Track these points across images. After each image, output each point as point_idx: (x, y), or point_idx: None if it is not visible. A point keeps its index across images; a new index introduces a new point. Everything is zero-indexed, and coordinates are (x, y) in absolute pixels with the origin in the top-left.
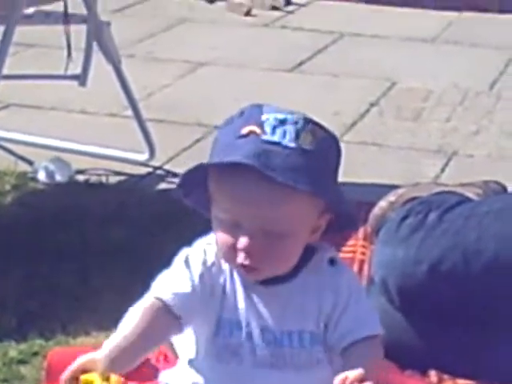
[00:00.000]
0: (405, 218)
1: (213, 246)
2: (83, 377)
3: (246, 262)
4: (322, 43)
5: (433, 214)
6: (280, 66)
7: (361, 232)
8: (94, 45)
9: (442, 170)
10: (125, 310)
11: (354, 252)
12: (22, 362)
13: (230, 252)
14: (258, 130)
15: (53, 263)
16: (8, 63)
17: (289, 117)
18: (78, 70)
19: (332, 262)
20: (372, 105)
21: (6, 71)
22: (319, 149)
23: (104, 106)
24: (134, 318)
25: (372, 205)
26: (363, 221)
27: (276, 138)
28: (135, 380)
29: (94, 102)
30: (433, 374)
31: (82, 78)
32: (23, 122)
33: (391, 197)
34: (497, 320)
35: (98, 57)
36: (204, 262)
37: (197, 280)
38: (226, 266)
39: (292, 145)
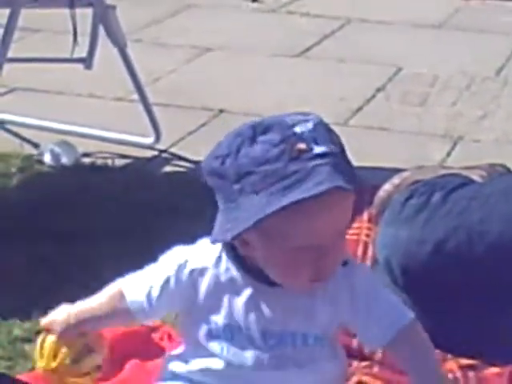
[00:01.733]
0: (409, 198)
1: (210, 250)
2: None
3: (325, 274)
4: (328, 29)
5: (437, 195)
6: (286, 51)
7: (366, 214)
8: (101, 29)
9: (448, 155)
10: None
11: (358, 234)
12: (26, 340)
13: (303, 272)
14: (304, 147)
15: (58, 245)
16: (15, 48)
17: (315, 122)
18: (85, 54)
19: (345, 263)
20: (378, 90)
21: (12, 56)
22: (341, 143)
23: (110, 90)
24: (99, 295)
25: (377, 188)
26: (368, 203)
27: (324, 149)
28: (139, 358)
29: (101, 86)
30: (436, 354)
31: (87, 61)
32: (29, 105)
33: (396, 179)
34: (500, 300)
35: (105, 41)
36: (193, 269)
37: (172, 283)
38: (225, 271)
39: (336, 150)
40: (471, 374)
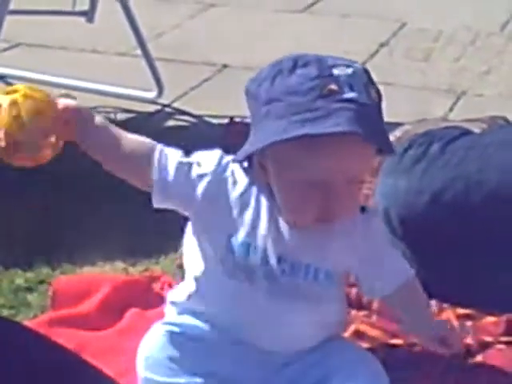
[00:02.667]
0: (407, 149)
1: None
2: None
3: (329, 216)
4: None
5: (435, 146)
6: (291, 6)
7: None
8: None
9: (451, 109)
10: (132, 242)
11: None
12: (28, 289)
13: (311, 209)
14: (336, 88)
15: (61, 193)
16: (16, 3)
17: (356, 70)
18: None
19: (363, 209)
20: (382, 45)
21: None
22: (379, 99)
23: (113, 45)
24: (135, 138)
25: None
26: None
27: (356, 96)
28: (139, 307)
29: (104, 41)
30: (433, 304)
31: (89, 15)
32: (32, 60)
33: (397, 132)
34: (497, 249)
35: None
36: (217, 169)
37: (195, 173)
38: (253, 191)
39: (368, 101)
40: (468, 323)
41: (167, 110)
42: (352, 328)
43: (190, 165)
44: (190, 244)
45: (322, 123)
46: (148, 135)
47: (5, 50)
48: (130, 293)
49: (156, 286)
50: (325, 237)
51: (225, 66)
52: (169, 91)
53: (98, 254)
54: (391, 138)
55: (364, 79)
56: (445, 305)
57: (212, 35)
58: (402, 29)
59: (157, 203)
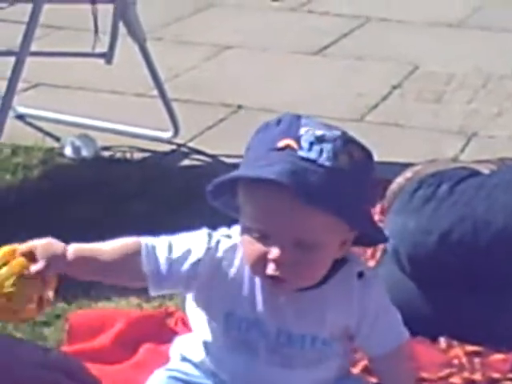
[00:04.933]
0: (417, 189)
1: (231, 241)
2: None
3: (276, 273)
4: (347, 27)
5: (444, 186)
6: (305, 49)
7: (378, 207)
8: (122, 28)
9: (462, 151)
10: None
11: None
12: (45, 323)
13: (258, 262)
14: (294, 145)
15: (76, 236)
16: (38, 44)
17: (327, 134)
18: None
19: (361, 275)
20: (394, 87)
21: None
22: (354, 170)
23: (131, 86)
24: (112, 243)
25: (390, 181)
26: (381, 197)
27: (313, 156)
28: (153, 342)
29: (122, 82)
30: (442, 341)
31: (108, 56)
32: (52, 100)
33: (408, 173)
34: (505, 288)
35: (127, 40)
36: (209, 249)
37: (191, 259)
38: (240, 264)
39: (328, 164)
40: (476, 360)
41: (183, 149)
42: (362, 364)
43: (180, 258)
44: (191, 309)
45: (257, 171)
46: (163, 174)
47: (25, 90)
48: (144, 328)
49: (170, 322)
50: (320, 305)
51: (240, 106)
52: (184, 131)
53: (113, 290)
54: (402, 179)
55: (337, 145)
56: (454, 342)
57: (227, 76)
58: (415, 72)
59: (154, 293)
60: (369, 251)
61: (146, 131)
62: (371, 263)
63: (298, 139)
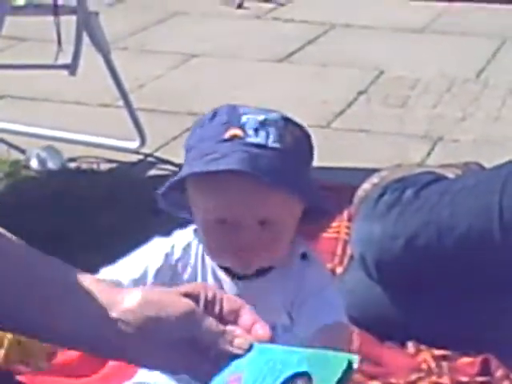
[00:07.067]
0: (382, 195)
1: (185, 241)
2: None
3: (250, 255)
4: (312, 34)
5: (409, 191)
6: (270, 56)
7: (345, 213)
8: (87, 39)
9: (428, 155)
10: None
11: (338, 232)
12: None
13: (226, 249)
14: (240, 133)
15: (44, 248)
16: (1, 57)
17: (268, 117)
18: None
19: (304, 256)
20: (360, 93)
21: None
22: (298, 148)
23: (97, 97)
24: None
25: (357, 188)
26: (348, 203)
27: (261, 140)
28: (118, 377)
29: (88, 93)
30: (410, 345)
31: (72, 67)
32: (17, 112)
33: (375, 179)
34: (470, 291)
35: (92, 50)
36: (167, 255)
37: (152, 272)
38: (195, 261)
39: (277, 146)
40: (444, 363)
41: (150, 159)
42: None
43: (142, 275)
44: None
45: (213, 164)
46: (131, 184)
47: None
48: None
49: None
50: (269, 291)
51: None
52: (151, 141)
53: None
54: (368, 185)
55: (280, 126)
56: (422, 346)
57: (193, 85)
58: (380, 77)
59: None
60: (336, 258)
61: (113, 141)
62: (339, 270)
63: (242, 127)
